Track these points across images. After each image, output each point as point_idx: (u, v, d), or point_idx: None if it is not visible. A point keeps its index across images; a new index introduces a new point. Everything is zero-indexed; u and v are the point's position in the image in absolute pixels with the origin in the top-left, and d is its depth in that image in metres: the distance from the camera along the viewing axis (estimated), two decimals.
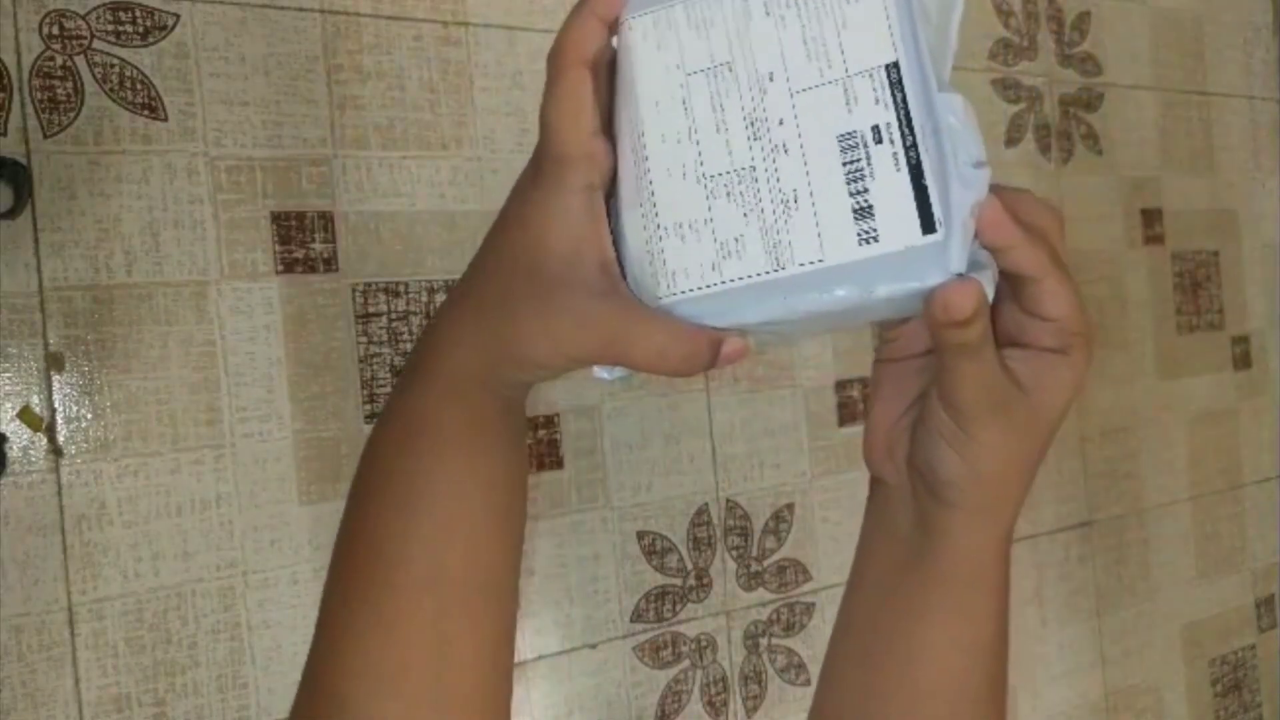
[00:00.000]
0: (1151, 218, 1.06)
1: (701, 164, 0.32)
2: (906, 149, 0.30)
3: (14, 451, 0.55)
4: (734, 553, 0.77)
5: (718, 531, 0.77)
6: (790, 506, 0.80)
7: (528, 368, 0.33)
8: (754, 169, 0.32)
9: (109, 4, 0.58)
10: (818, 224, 0.31)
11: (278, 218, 0.62)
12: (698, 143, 0.32)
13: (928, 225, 0.30)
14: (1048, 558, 0.95)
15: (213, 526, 0.59)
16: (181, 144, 0.60)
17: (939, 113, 0.30)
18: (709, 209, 0.32)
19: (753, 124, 0.32)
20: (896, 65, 0.31)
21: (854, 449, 0.83)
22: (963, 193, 0.29)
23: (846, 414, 0.83)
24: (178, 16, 0.60)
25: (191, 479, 0.59)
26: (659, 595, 0.74)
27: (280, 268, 0.62)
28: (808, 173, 0.31)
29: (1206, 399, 1.09)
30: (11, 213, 0.54)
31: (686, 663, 0.75)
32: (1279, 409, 1.16)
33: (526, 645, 0.69)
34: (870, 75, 0.31)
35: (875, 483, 0.38)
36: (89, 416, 0.57)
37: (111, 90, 0.58)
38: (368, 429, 0.64)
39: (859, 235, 0.31)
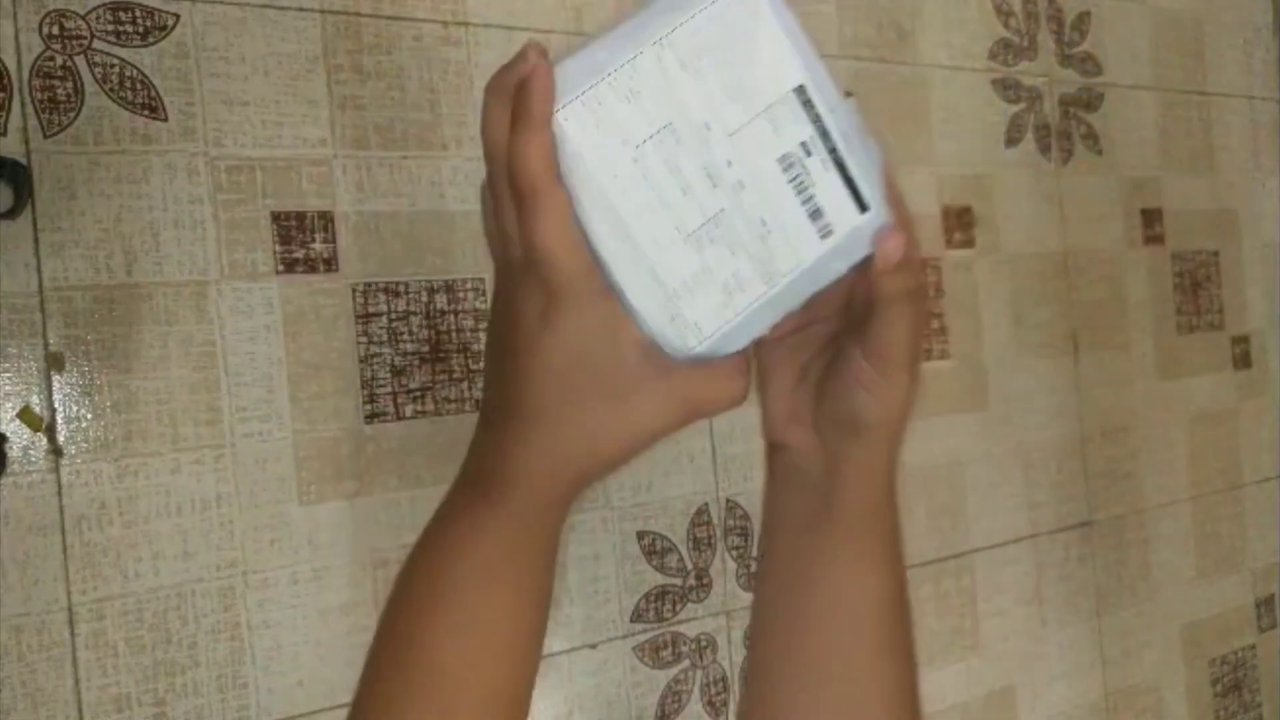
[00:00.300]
0: (1151, 218, 1.06)
1: (681, 224, 0.36)
2: (830, 152, 0.37)
3: (14, 451, 0.55)
4: (734, 553, 0.77)
5: (718, 531, 0.77)
6: None
7: (609, 465, 0.36)
8: (724, 211, 0.36)
9: (109, 4, 0.58)
10: (788, 238, 0.37)
11: (278, 218, 0.62)
12: (669, 206, 0.36)
13: (862, 206, 0.37)
14: (1048, 558, 0.95)
15: (213, 526, 0.59)
16: (182, 144, 0.60)
17: (842, 114, 0.37)
18: (703, 260, 0.36)
19: (709, 173, 0.36)
20: (803, 86, 0.36)
21: None
22: (873, 168, 0.37)
23: None
24: (178, 16, 0.60)
25: (191, 479, 0.59)
26: (659, 595, 0.74)
27: (280, 268, 0.62)
28: (766, 199, 0.36)
29: (1206, 399, 1.09)
30: (11, 213, 0.54)
31: (686, 663, 0.75)
32: (1279, 409, 1.16)
33: None
34: (785, 101, 0.36)
35: (776, 451, 0.43)
36: (89, 416, 0.57)
37: (111, 90, 0.58)
38: (368, 429, 0.64)
39: (819, 233, 0.37)
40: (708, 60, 0.36)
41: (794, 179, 0.37)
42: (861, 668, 0.40)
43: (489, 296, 0.64)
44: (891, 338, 0.37)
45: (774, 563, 0.43)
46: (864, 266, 0.37)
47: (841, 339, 0.39)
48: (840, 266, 0.37)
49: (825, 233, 0.37)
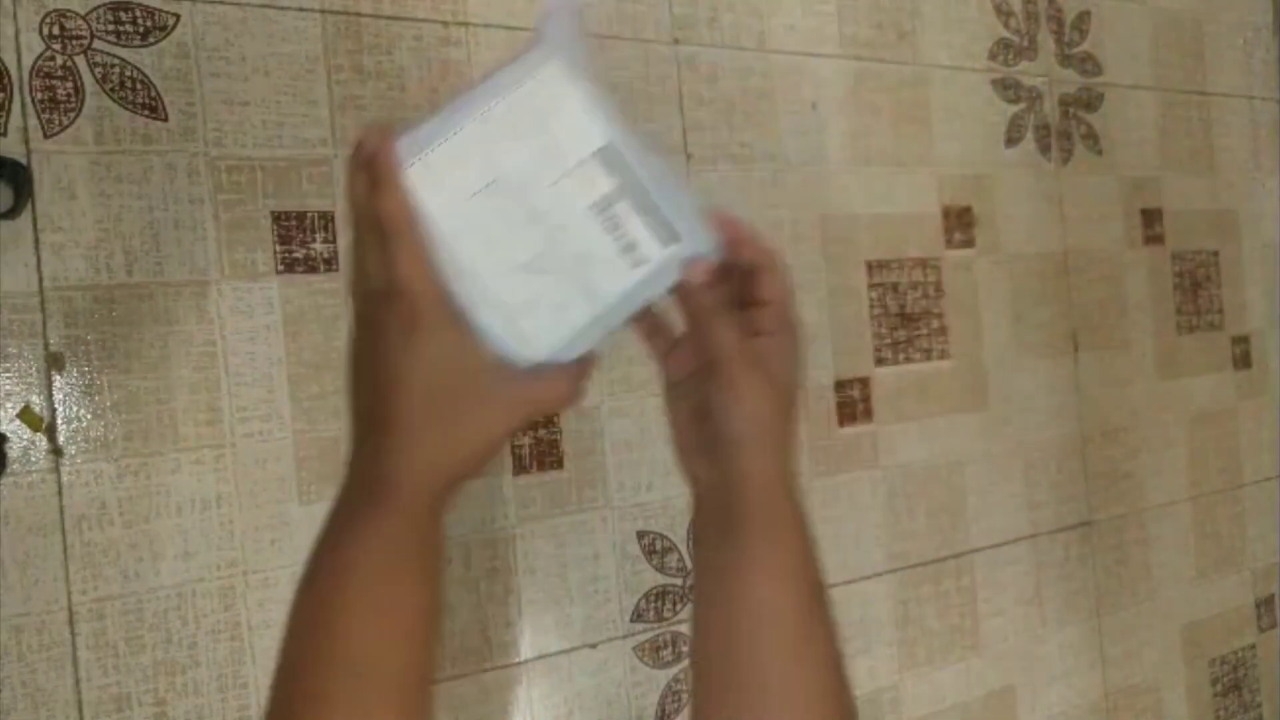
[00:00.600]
0: (1151, 218, 1.06)
1: (514, 259, 0.45)
2: (637, 197, 0.45)
3: (14, 451, 0.55)
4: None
5: None
6: None
7: (472, 466, 0.42)
8: (549, 248, 0.45)
9: (109, 4, 0.58)
10: (606, 268, 0.45)
11: (278, 218, 0.62)
12: (501, 244, 0.44)
13: (670, 239, 0.45)
14: (1048, 558, 0.95)
15: (213, 526, 0.59)
16: (182, 144, 0.60)
17: (650, 164, 0.45)
18: (535, 287, 0.45)
19: (532, 218, 0.45)
20: (610, 145, 0.45)
21: (854, 449, 0.84)
22: (685, 207, 0.45)
23: (846, 414, 0.83)
24: (178, 17, 0.60)
25: (192, 479, 0.59)
26: (659, 595, 0.74)
27: (281, 268, 0.62)
28: (583, 238, 0.45)
29: (1206, 399, 1.09)
30: (11, 213, 0.54)
31: (686, 662, 0.75)
32: (1279, 409, 1.16)
33: (526, 645, 0.69)
34: (591, 158, 0.45)
35: (690, 483, 0.48)
36: (89, 416, 0.57)
37: (112, 90, 0.58)
38: None
39: (632, 264, 0.45)
40: (524, 129, 0.45)
41: (606, 221, 0.46)
42: (778, 675, 0.44)
43: None
44: (723, 354, 0.43)
45: (698, 581, 0.48)
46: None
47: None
48: (659, 288, 0.45)
49: (638, 263, 0.45)
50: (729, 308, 0.45)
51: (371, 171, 0.41)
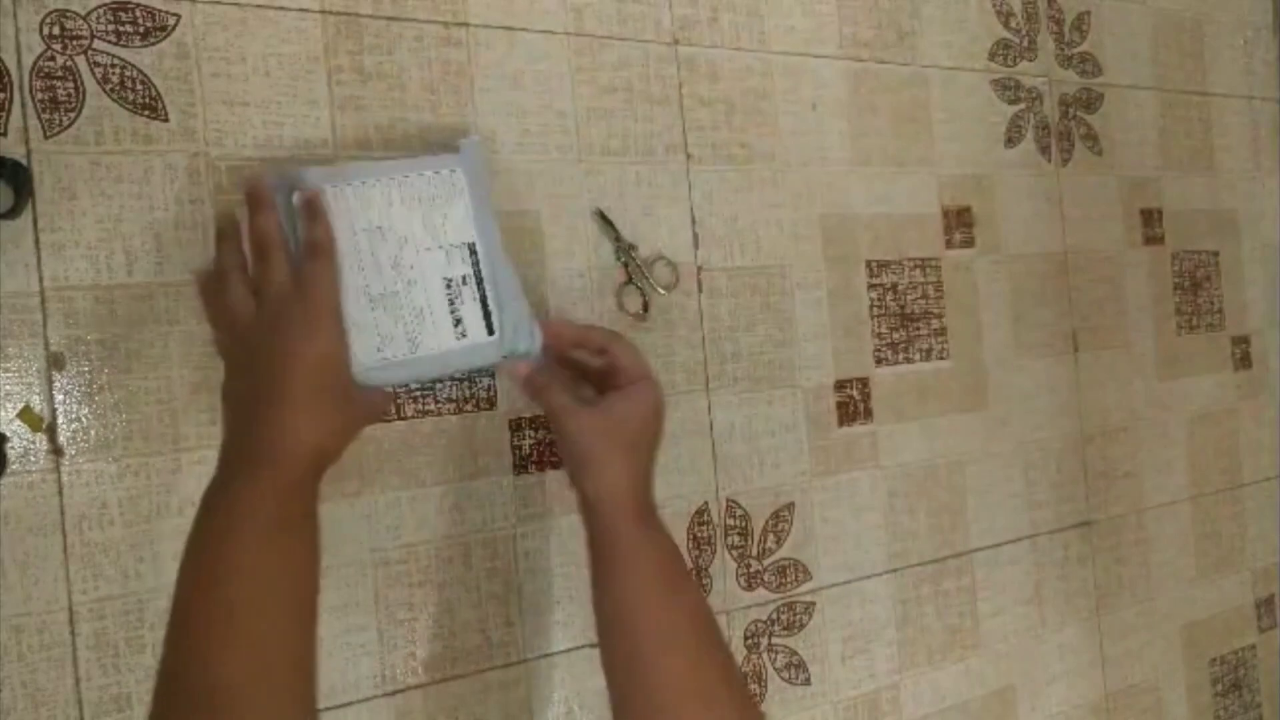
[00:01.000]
0: (1151, 218, 1.06)
1: (368, 288, 0.55)
2: (479, 289, 0.58)
3: (14, 451, 0.55)
4: (734, 553, 0.77)
5: (718, 531, 0.77)
6: (790, 506, 0.80)
7: (336, 451, 0.52)
8: (397, 293, 0.56)
9: (109, 4, 0.58)
10: (435, 329, 0.57)
11: None
12: (363, 273, 0.55)
13: (490, 329, 0.58)
14: (1048, 558, 0.95)
15: None
16: (182, 144, 0.60)
17: (498, 271, 0.58)
18: (373, 316, 0.55)
19: (395, 265, 0.55)
20: (473, 244, 0.58)
21: (854, 449, 0.84)
22: (518, 312, 0.59)
23: (846, 414, 0.83)
24: (178, 16, 0.60)
25: (193, 479, 0.59)
26: None
27: None
28: (427, 298, 0.56)
29: (1206, 399, 1.09)
30: (11, 213, 0.54)
31: None
32: (1279, 409, 1.16)
33: (527, 645, 0.69)
34: (460, 247, 0.57)
35: (581, 509, 0.60)
36: (89, 416, 0.57)
37: (112, 90, 0.58)
38: (368, 429, 0.64)
39: (457, 334, 0.57)
40: (419, 202, 0.56)
41: (450, 294, 0.57)
42: (653, 645, 0.52)
43: None
44: (551, 410, 0.58)
45: (594, 604, 0.57)
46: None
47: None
48: (471, 363, 0.59)
49: (461, 335, 0.57)
50: (579, 376, 0.61)
51: (307, 205, 0.53)
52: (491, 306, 0.58)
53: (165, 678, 0.45)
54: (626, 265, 0.72)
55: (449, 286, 0.57)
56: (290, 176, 0.55)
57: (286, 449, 0.48)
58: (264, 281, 0.51)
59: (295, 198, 0.54)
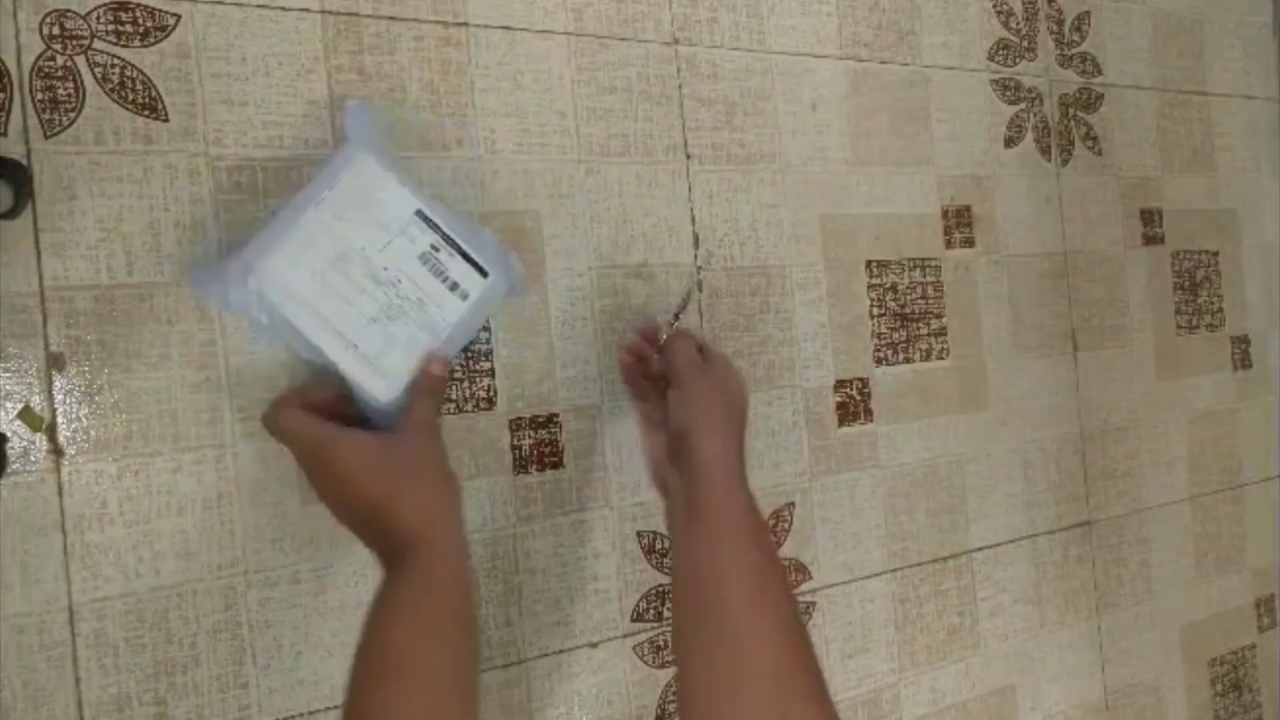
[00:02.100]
0: (1151, 218, 1.06)
1: (365, 314, 0.57)
2: (451, 245, 0.59)
3: (14, 451, 0.55)
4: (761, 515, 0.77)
5: None
6: (790, 506, 0.80)
7: (453, 499, 0.57)
8: (391, 300, 0.57)
9: (110, 4, 0.58)
10: (440, 306, 0.58)
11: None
12: (354, 304, 0.56)
13: (483, 273, 0.60)
14: (1048, 558, 0.95)
15: (214, 526, 0.59)
16: (182, 144, 0.60)
17: (455, 221, 0.59)
18: (388, 332, 0.57)
19: (373, 278, 0.57)
20: (420, 210, 0.58)
21: (854, 449, 0.84)
22: (491, 250, 0.60)
23: (846, 414, 0.83)
24: (178, 17, 0.60)
25: (192, 479, 0.59)
26: (659, 594, 0.74)
27: None
28: (417, 285, 0.58)
29: (1206, 399, 1.09)
30: (11, 213, 0.54)
31: None
32: (1279, 409, 1.16)
33: (527, 644, 0.69)
34: (411, 221, 0.58)
35: (663, 494, 0.62)
36: (89, 416, 0.57)
37: (112, 90, 0.58)
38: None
39: (460, 297, 0.59)
40: (351, 209, 0.56)
41: (432, 268, 0.58)
42: (743, 619, 0.53)
43: None
44: (677, 364, 0.62)
45: (675, 562, 0.58)
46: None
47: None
48: (488, 311, 0.61)
49: (464, 296, 0.59)
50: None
51: (270, 419, 0.56)
52: (471, 253, 0.59)
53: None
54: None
55: (427, 262, 0.58)
56: (226, 270, 0.55)
57: (408, 542, 0.53)
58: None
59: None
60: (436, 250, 0.58)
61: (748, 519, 0.57)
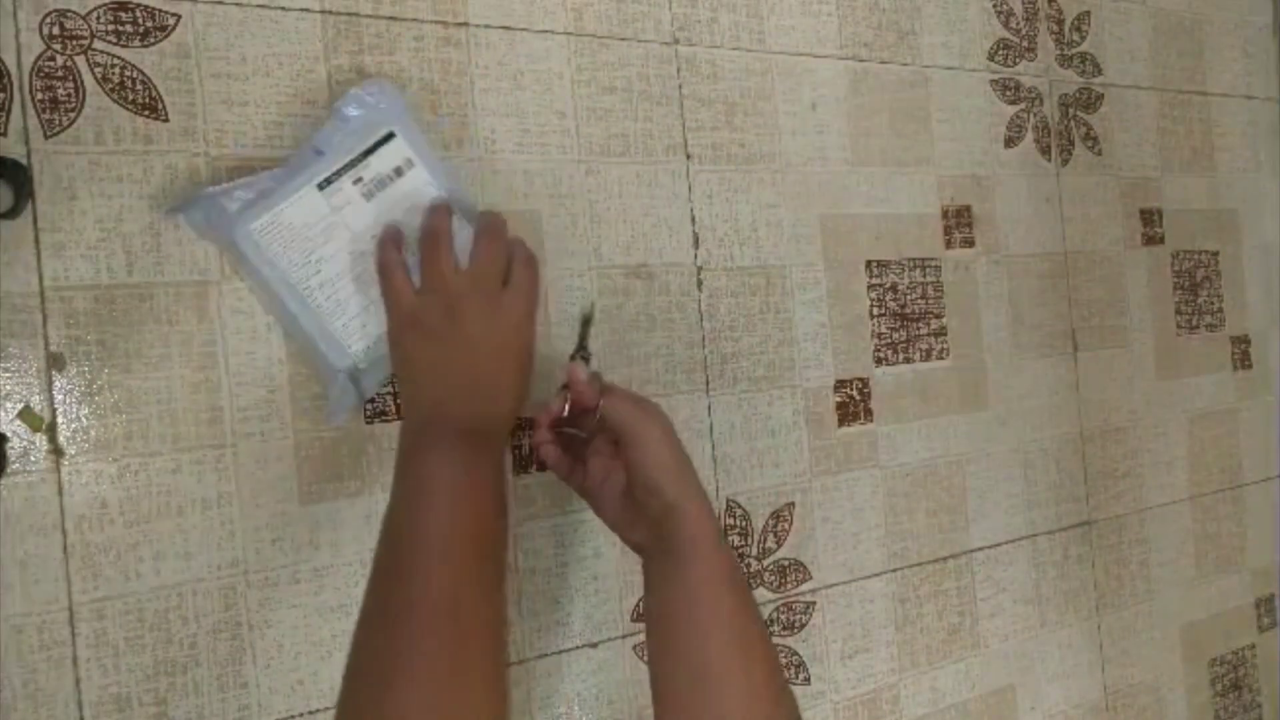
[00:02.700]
0: (1151, 218, 1.06)
1: (340, 279, 0.60)
2: (353, 164, 0.61)
3: (14, 451, 0.55)
4: (734, 552, 0.77)
5: None
6: (790, 506, 0.80)
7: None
8: (365, 269, 0.61)
9: (110, 4, 0.58)
10: (406, 191, 0.62)
11: None
12: (329, 270, 0.60)
13: (388, 137, 0.62)
14: (1048, 558, 0.95)
15: (214, 526, 0.59)
16: (182, 144, 0.60)
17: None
18: (361, 302, 0.60)
19: (354, 250, 0.60)
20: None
21: (854, 449, 0.84)
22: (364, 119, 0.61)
23: (846, 414, 0.83)
24: (178, 17, 0.60)
25: (193, 479, 0.59)
26: None
27: None
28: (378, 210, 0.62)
29: (1206, 399, 1.09)
30: (11, 213, 0.54)
31: None
32: (1279, 409, 1.16)
33: (527, 644, 0.69)
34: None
35: (638, 551, 0.60)
36: (89, 416, 0.57)
37: (112, 90, 0.58)
38: (369, 428, 0.64)
39: (409, 168, 0.63)
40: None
41: (368, 190, 0.61)
42: (725, 664, 0.52)
43: None
44: (621, 420, 0.58)
45: (650, 610, 0.57)
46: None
47: (617, 462, 0.59)
48: (432, 153, 0.63)
49: (410, 164, 0.62)
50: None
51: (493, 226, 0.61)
52: (370, 145, 0.61)
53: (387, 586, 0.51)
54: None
55: (369, 197, 0.61)
56: (221, 203, 0.58)
57: (503, 427, 0.57)
58: (482, 268, 0.58)
59: (460, 224, 0.61)
60: (359, 179, 0.60)
61: (728, 562, 0.56)
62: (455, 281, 0.57)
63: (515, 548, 0.69)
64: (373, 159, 0.60)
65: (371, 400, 0.64)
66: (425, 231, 0.59)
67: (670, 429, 0.58)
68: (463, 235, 0.60)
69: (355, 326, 0.60)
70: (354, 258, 0.60)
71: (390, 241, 0.59)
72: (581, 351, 0.62)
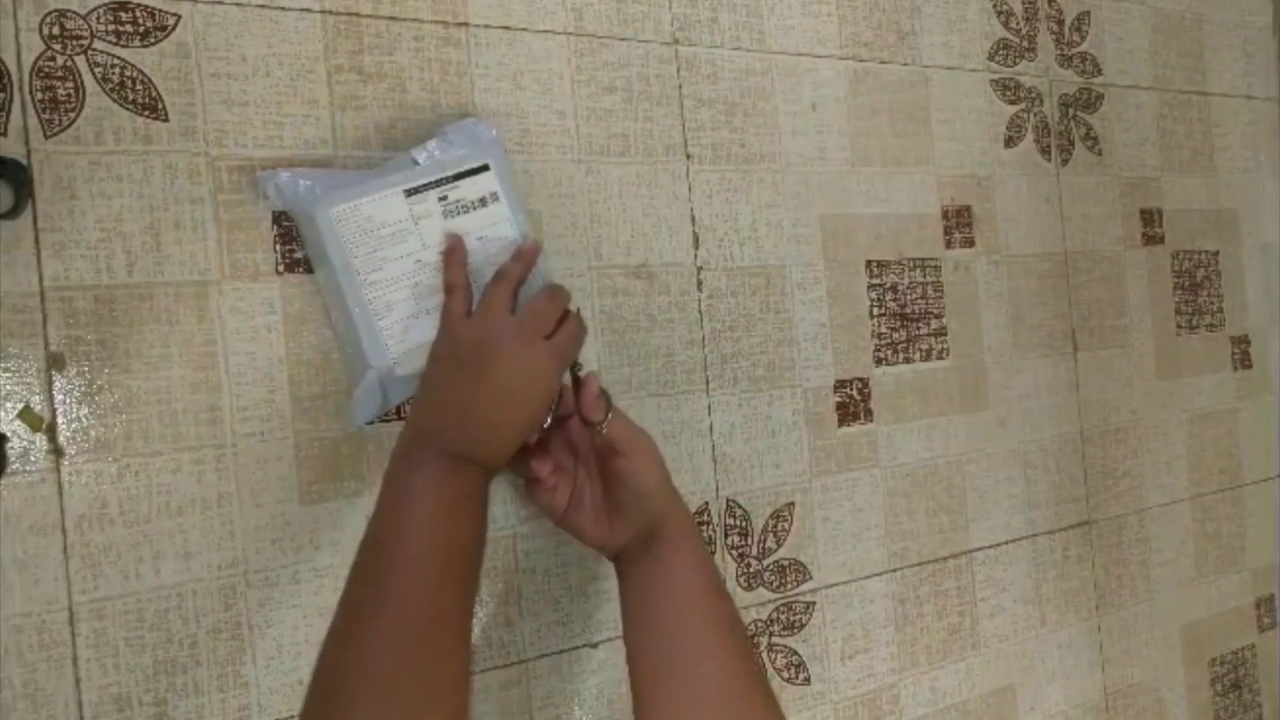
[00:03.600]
0: (1151, 218, 1.06)
1: (398, 283, 0.61)
2: (445, 181, 0.63)
3: (14, 451, 0.55)
4: (734, 553, 0.77)
5: (718, 531, 0.77)
6: (790, 506, 0.80)
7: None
8: (422, 280, 0.62)
9: (110, 4, 0.58)
10: (493, 223, 0.65)
11: (279, 218, 0.62)
12: (390, 272, 0.61)
13: (484, 168, 0.64)
14: (1047, 558, 0.95)
15: (214, 526, 0.59)
16: (182, 144, 0.60)
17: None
18: (410, 309, 0.61)
19: (420, 258, 0.62)
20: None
21: (854, 449, 0.84)
22: (460, 143, 0.64)
23: (846, 414, 0.83)
24: (178, 17, 0.60)
25: (192, 479, 0.59)
26: None
27: (281, 268, 0.62)
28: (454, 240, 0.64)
29: (1206, 399, 1.09)
30: (12, 213, 0.54)
31: None
32: (1279, 409, 1.16)
33: (527, 644, 0.69)
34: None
35: (617, 560, 0.63)
36: (90, 416, 0.57)
37: (112, 90, 0.58)
38: (370, 428, 0.64)
39: (494, 200, 0.65)
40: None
41: (450, 210, 0.63)
42: (702, 640, 0.57)
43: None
44: (619, 436, 0.61)
45: (627, 599, 0.61)
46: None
47: (595, 475, 0.64)
48: (510, 184, 0.65)
49: (495, 198, 0.64)
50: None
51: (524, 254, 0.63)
52: (461, 167, 0.64)
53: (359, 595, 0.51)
54: None
55: (449, 215, 0.63)
56: (309, 185, 0.60)
57: (493, 461, 0.57)
58: (534, 313, 0.60)
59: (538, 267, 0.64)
60: (444, 198, 0.62)
61: (704, 551, 0.62)
62: (502, 321, 0.58)
63: (515, 548, 0.69)
64: (463, 184, 0.62)
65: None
66: (504, 269, 0.61)
67: (656, 445, 0.64)
68: (531, 287, 0.62)
69: (397, 331, 0.60)
70: (417, 267, 0.61)
71: (459, 262, 0.61)
72: (574, 366, 0.63)
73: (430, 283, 0.61)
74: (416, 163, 0.62)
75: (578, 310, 0.64)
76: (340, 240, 0.59)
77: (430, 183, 0.62)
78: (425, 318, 0.61)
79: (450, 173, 0.62)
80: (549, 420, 0.61)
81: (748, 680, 0.56)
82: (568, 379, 0.62)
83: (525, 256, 0.62)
